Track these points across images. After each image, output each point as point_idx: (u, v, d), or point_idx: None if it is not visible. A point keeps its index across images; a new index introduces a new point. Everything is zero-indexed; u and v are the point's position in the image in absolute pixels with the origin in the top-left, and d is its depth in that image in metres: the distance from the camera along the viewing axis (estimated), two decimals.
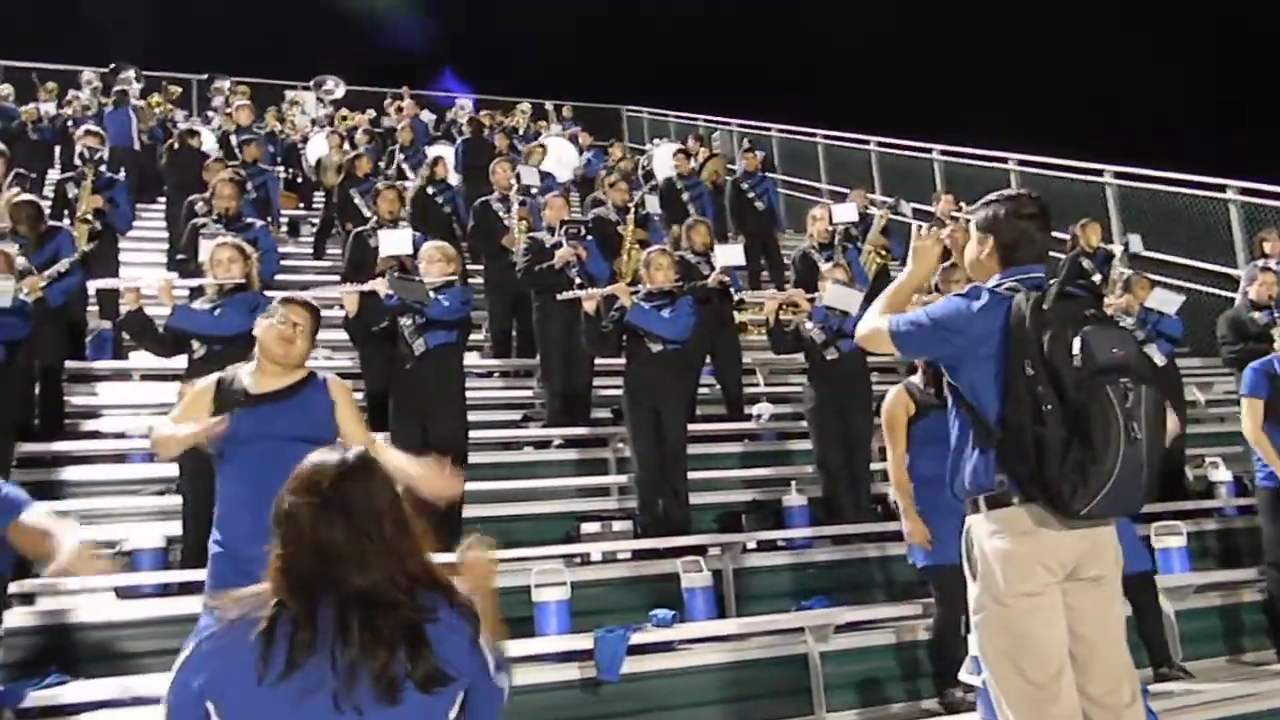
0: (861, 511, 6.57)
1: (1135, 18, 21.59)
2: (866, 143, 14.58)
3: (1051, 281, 2.99)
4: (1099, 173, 11.60)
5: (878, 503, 6.83)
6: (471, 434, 6.47)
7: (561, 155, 11.27)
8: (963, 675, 3.95)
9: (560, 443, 7.55)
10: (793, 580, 6.10)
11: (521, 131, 13.35)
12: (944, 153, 13.57)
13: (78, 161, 8.20)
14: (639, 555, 6.07)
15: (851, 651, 5.33)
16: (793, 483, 6.87)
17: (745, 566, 6.00)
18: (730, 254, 7.91)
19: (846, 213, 8.94)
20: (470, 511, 6.24)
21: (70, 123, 12.23)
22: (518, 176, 9.08)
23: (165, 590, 5.28)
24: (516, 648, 4.88)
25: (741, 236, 10.69)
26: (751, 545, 6.31)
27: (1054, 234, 3.51)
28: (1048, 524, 2.84)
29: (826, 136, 15.30)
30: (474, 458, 6.53)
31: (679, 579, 5.55)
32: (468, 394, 6.48)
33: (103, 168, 8.31)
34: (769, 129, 16.12)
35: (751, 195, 11.02)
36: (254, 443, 3.60)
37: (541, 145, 11.33)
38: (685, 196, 10.80)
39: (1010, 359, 2.89)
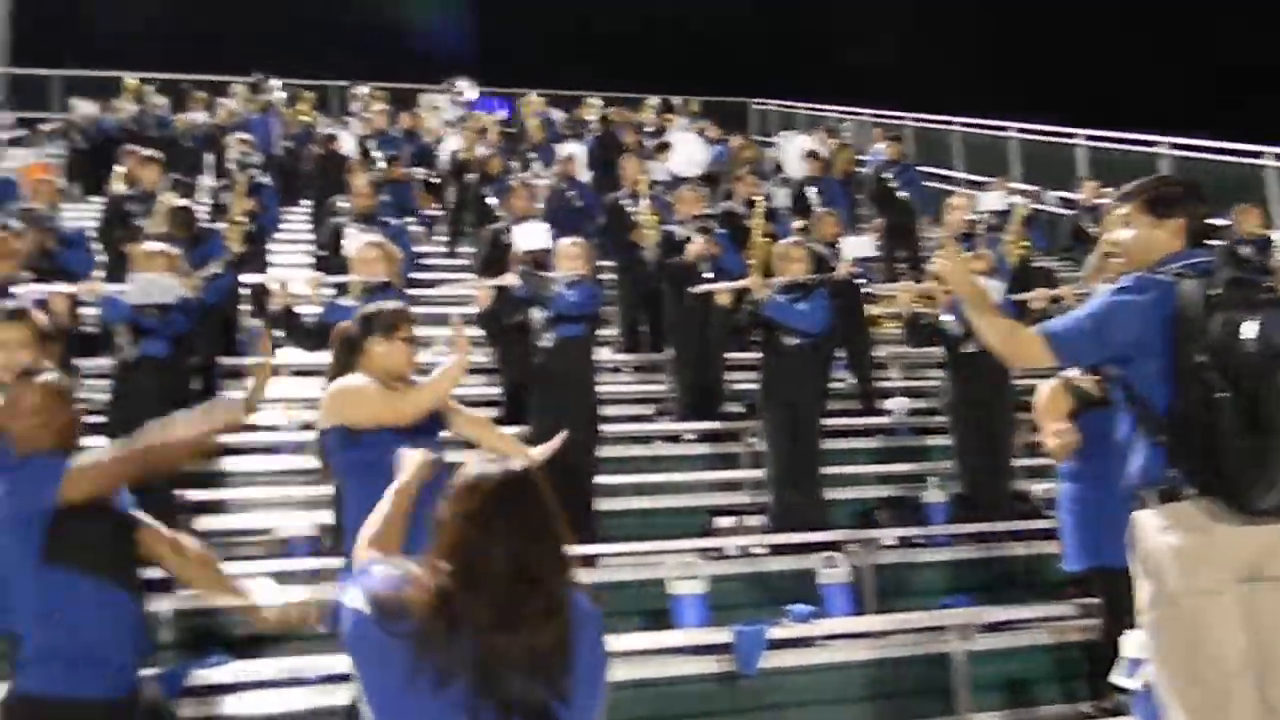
0: (1004, 508, 6.38)
1: None
2: (1006, 129, 14.12)
3: (1216, 266, 2.82)
4: (1257, 154, 10.97)
5: (1021, 499, 6.62)
6: (602, 428, 6.53)
7: (689, 149, 11.24)
8: (1116, 678, 3.79)
9: (692, 437, 7.54)
10: (934, 578, 5.96)
11: (650, 127, 13.40)
12: (1089, 138, 13.04)
13: (230, 166, 8.55)
14: (774, 550, 6.02)
15: (998, 652, 5.17)
16: (931, 479, 6.71)
17: (884, 563, 5.89)
18: (858, 245, 7.78)
19: (992, 201, 8.66)
20: (601, 505, 6.31)
21: (219, 130, 12.77)
22: (648, 172, 9.11)
23: (317, 576, 5.46)
24: (654, 640, 4.92)
25: (876, 227, 10.50)
26: (890, 541, 6.19)
27: (1211, 220, 3.32)
28: (1223, 519, 2.68)
29: (964, 124, 14.88)
30: (605, 451, 6.59)
31: (815, 575, 5.49)
32: (599, 389, 6.55)
33: (253, 172, 8.66)
34: (904, 117, 15.77)
35: (894, 185, 10.81)
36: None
37: (668, 142, 11.33)
38: (814, 188, 10.65)
39: (1178, 347, 2.74)
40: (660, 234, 7.93)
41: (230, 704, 4.41)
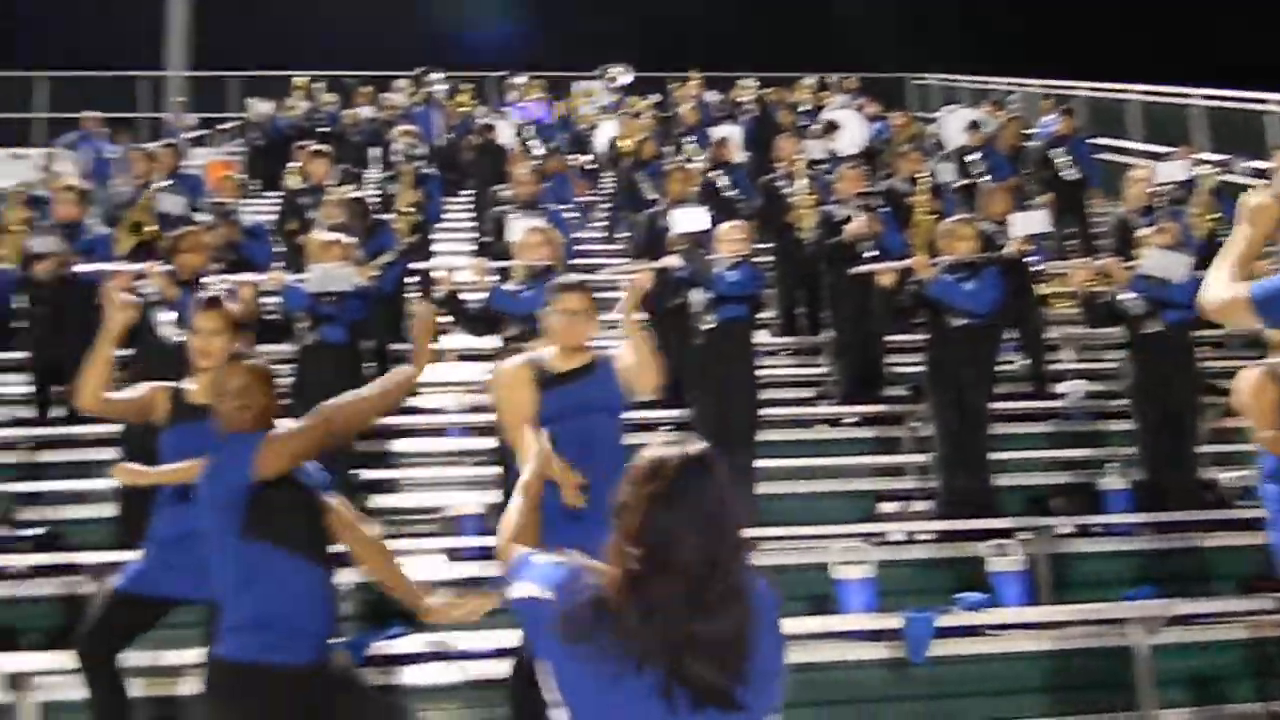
0: (1189, 497, 6.05)
1: None
2: (1189, 96, 13.28)
3: None
4: None
5: (1207, 488, 6.27)
6: (762, 412, 6.49)
7: (848, 127, 11.04)
8: None
9: (854, 420, 7.42)
10: (1114, 568, 5.70)
11: (806, 106, 13.21)
12: None
13: (395, 159, 8.83)
14: (941, 536, 5.88)
15: (1185, 646, 4.92)
16: (1110, 465, 6.42)
17: (1060, 552, 5.67)
18: (1030, 221, 7.47)
19: (1174, 171, 8.19)
20: (763, 489, 6.28)
21: (384, 125, 13.22)
22: (804, 151, 8.99)
23: (485, 554, 5.62)
24: (820, 624, 4.88)
25: (1047, 203, 10.08)
26: (1065, 530, 5.95)
27: None
28: None
29: (1143, 92, 14.06)
30: (765, 435, 6.54)
31: (985, 562, 5.33)
32: (757, 372, 6.51)
33: (419, 164, 8.95)
34: (1075, 87, 15.03)
35: (1065, 159, 10.37)
36: (563, 420, 3.74)
37: (830, 120, 11.15)
38: (979, 163, 10.31)
39: None
40: (819, 214, 7.81)
41: (409, 674, 4.60)
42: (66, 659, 4.50)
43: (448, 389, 7.80)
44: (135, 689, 4.05)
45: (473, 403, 7.28)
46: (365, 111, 13.73)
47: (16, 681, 4.45)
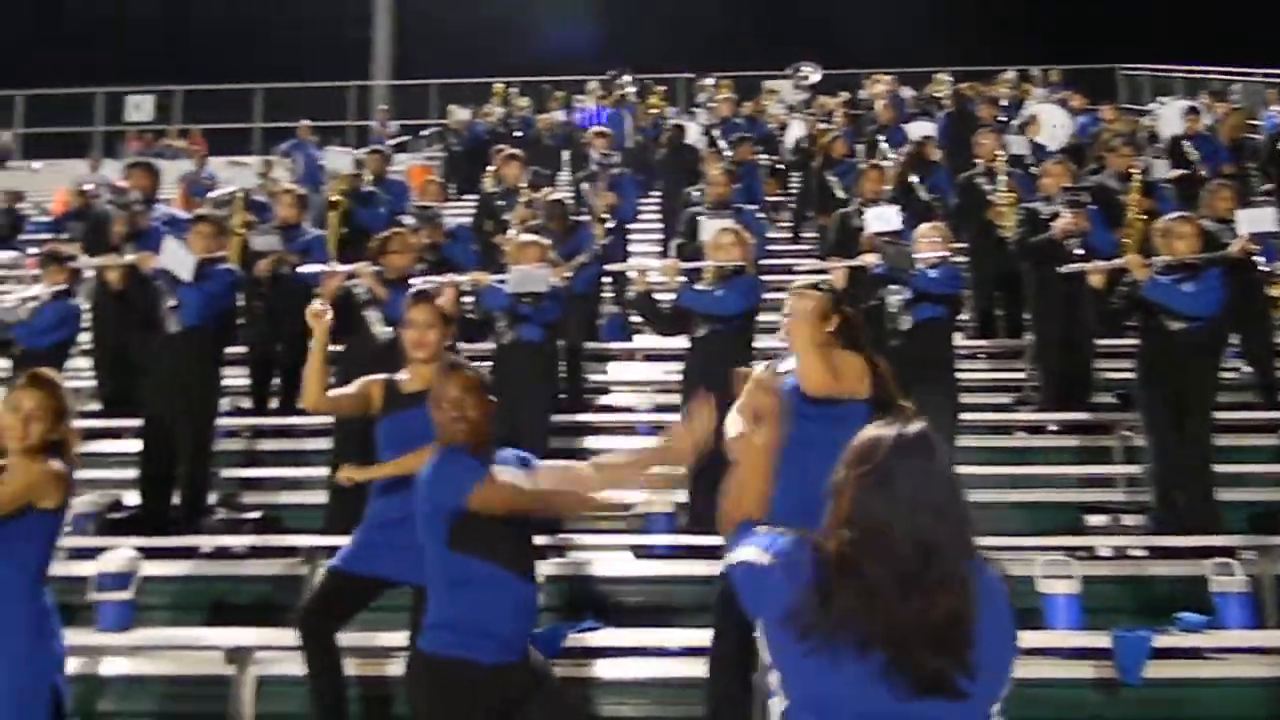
0: None
1: None
2: None
3: None
4: None
5: None
6: (959, 416, 6.26)
7: (1052, 122, 10.55)
8: None
9: (1057, 428, 7.08)
10: None
11: (1006, 101, 12.72)
12: None
13: (593, 166, 8.97)
14: (1154, 553, 5.52)
15: None
16: None
17: None
18: (1257, 219, 6.93)
19: None
20: None
21: (576, 129, 13.51)
22: (1005, 147, 8.65)
23: (674, 552, 5.64)
24: (1024, 639, 4.64)
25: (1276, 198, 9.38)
26: None
27: None
28: None
29: None
30: (962, 441, 6.32)
31: (1206, 582, 4.97)
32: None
33: (613, 168, 9.08)
34: None
35: None
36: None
37: (1031, 115, 10.70)
38: (1198, 158, 9.67)
39: None
40: (1021, 211, 7.49)
41: (600, 668, 4.66)
42: (282, 635, 4.80)
43: (638, 388, 7.89)
44: (348, 668, 4.26)
45: (662, 402, 7.32)
46: (558, 116, 14.07)
47: (236, 656, 4.73)
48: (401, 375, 4.19)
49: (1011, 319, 8.16)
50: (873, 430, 1.93)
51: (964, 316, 8.40)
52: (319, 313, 4.11)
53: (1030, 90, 13.43)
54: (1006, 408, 7.55)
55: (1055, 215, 6.97)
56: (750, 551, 1.94)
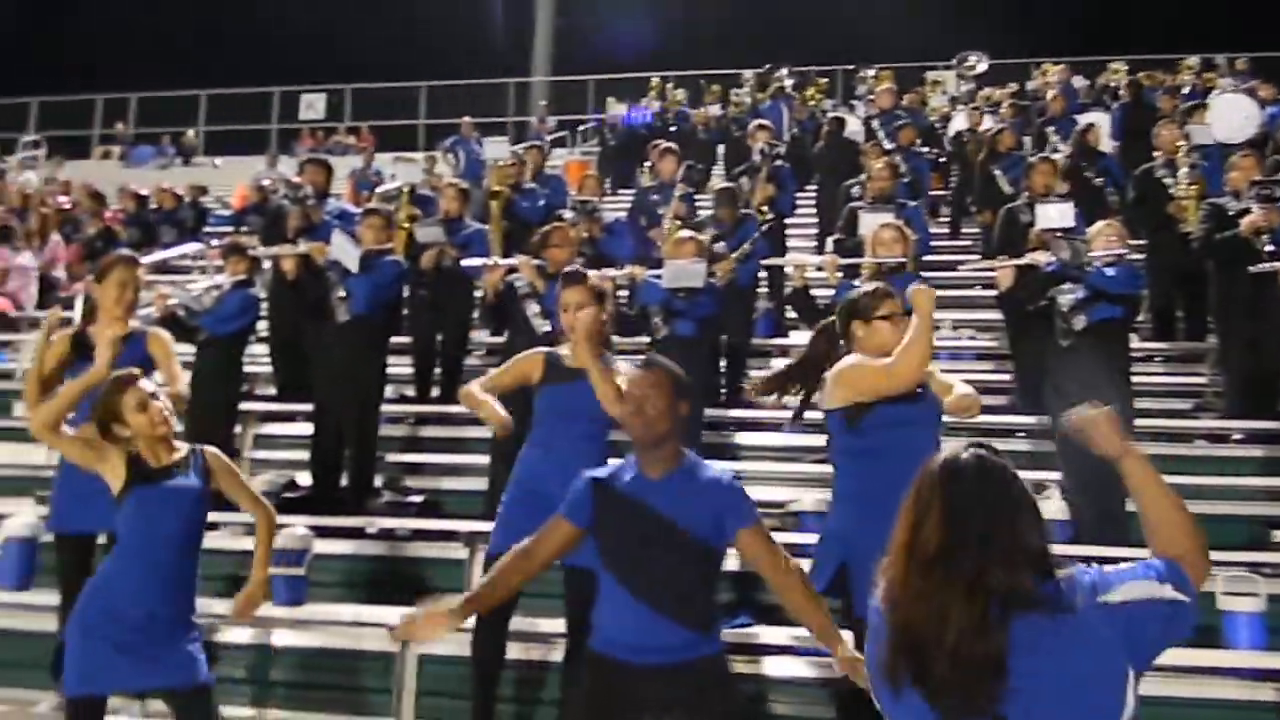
0: None
1: None
2: None
3: None
4: None
5: None
6: (1134, 423, 5.95)
7: (1237, 112, 9.93)
8: None
9: (1241, 437, 6.66)
10: None
11: (1187, 90, 12.04)
12: None
13: (756, 157, 8.90)
14: None
15: None
16: None
17: None
18: None
19: None
20: (1132, 505, 5.75)
21: (732, 123, 13.44)
22: (1187, 138, 8.18)
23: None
24: (1201, 658, 4.41)
25: None
26: None
27: None
28: None
29: None
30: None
31: None
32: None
33: (777, 159, 9.00)
34: None
35: None
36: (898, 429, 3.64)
37: (1204, 104, 10.09)
38: None
39: None
40: (1205, 207, 7.07)
41: (755, 665, 4.63)
42: None
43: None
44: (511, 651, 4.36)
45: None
46: (714, 109, 14.04)
47: None
48: (563, 350, 4.29)
49: (1193, 320, 7.72)
50: (950, 448, 1.95)
51: (1140, 317, 8.02)
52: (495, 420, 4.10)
53: (1214, 80, 12.66)
54: (1186, 414, 7.15)
55: (1244, 211, 6.55)
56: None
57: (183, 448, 3.61)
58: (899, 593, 1.85)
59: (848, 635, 3.24)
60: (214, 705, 3.53)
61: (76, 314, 7.94)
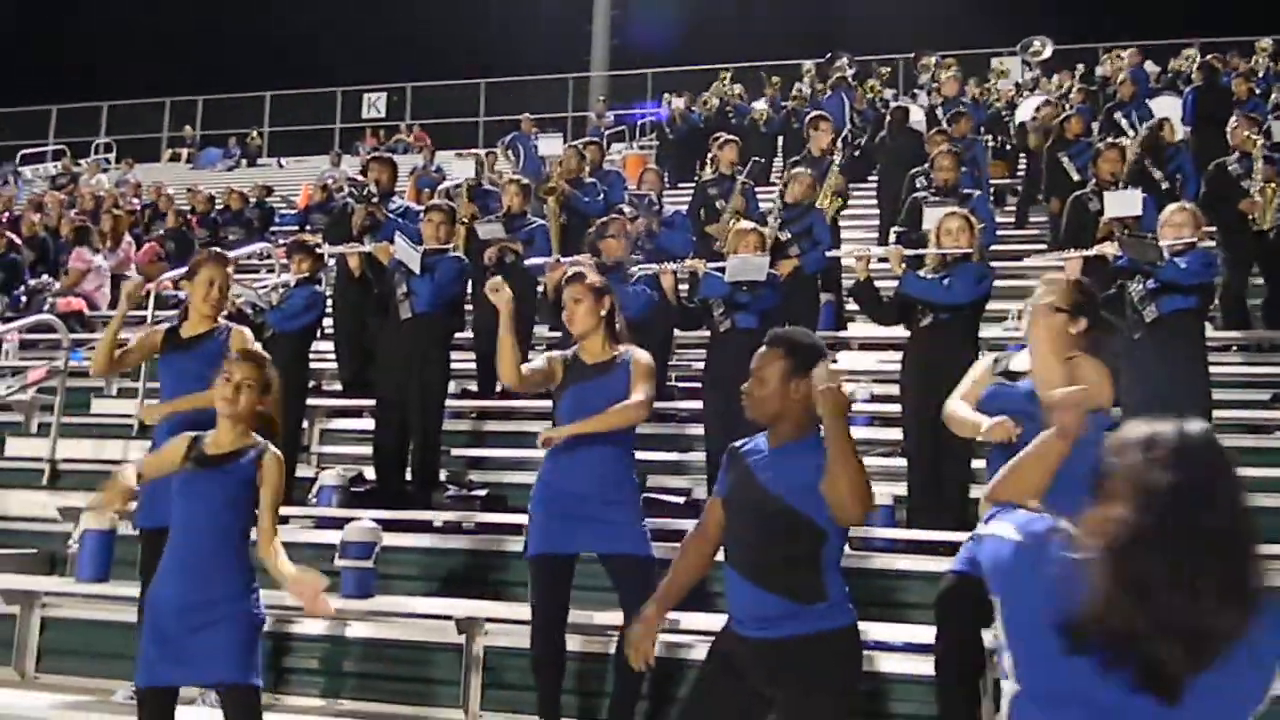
0: None
1: None
2: None
3: None
4: None
5: None
6: (1211, 414, 5.80)
7: None
8: None
9: None
10: None
11: (1261, 74, 11.69)
12: None
13: (815, 150, 8.84)
14: None
15: None
16: None
17: None
18: None
19: None
20: None
21: (792, 115, 13.34)
22: (1267, 133, 7.92)
23: (893, 546, 5.51)
24: None
25: None
26: None
27: None
28: None
29: None
30: None
31: None
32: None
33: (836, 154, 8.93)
34: None
35: None
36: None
37: None
38: None
39: None
40: None
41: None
42: (508, 609, 4.99)
43: (855, 378, 7.72)
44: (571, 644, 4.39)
45: (879, 393, 7.15)
46: (760, 105, 13.94)
47: (465, 626, 4.95)
48: (580, 349, 4.37)
49: (1272, 308, 7.50)
50: (1147, 425, 1.80)
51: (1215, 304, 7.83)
52: (496, 286, 4.23)
53: None
54: (1265, 405, 6.96)
55: None
56: (1003, 527, 1.87)
57: (253, 438, 3.59)
58: (1132, 556, 1.71)
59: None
60: (252, 705, 3.43)
61: (148, 311, 8.15)
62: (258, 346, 4.77)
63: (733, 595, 3.11)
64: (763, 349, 3.16)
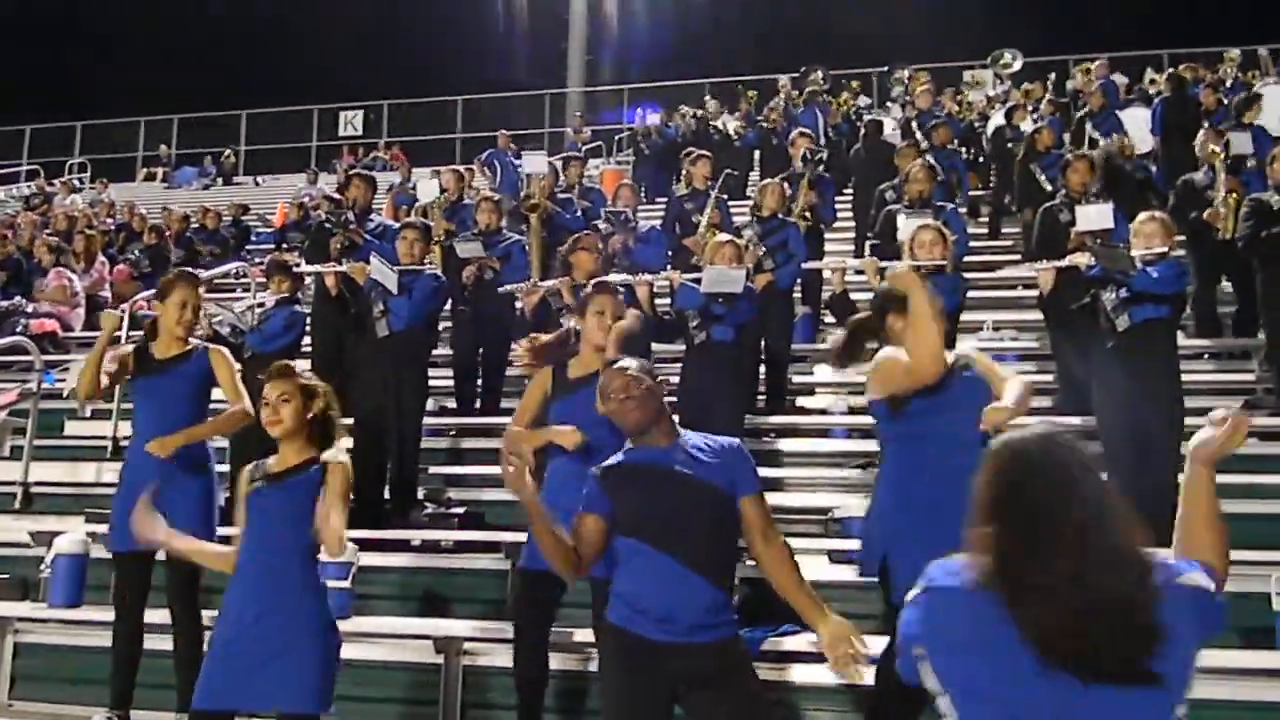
0: None
1: None
2: None
3: None
4: None
5: None
6: (1184, 421, 5.84)
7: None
8: None
9: None
10: None
11: (1229, 84, 11.83)
12: None
13: (799, 165, 8.88)
14: None
15: None
16: None
17: None
18: None
19: None
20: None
21: (768, 131, 13.39)
22: (1227, 145, 8.00)
23: None
24: (1253, 660, 4.33)
25: None
26: None
27: None
28: None
29: None
30: (1185, 447, 5.88)
31: None
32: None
33: (819, 166, 8.98)
34: None
35: None
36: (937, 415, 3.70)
37: (1256, 95, 9.92)
38: None
39: None
40: (1248, 203, 6.93)
41: (797, 672, 4.60)
42: (488, 627, 4.96)
43: (833, 390, 7.75)
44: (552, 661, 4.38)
45: (856, 404, 7.18)
46: (732, 122, 13.99)
47: (444, 645, 4.92)
48: (570, 363, 4.45)
49: (1241, 316, 7.58)
50: (1008, 435, 1.95)
51: (1186, 313, 7.90)
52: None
53: (1257, 75, 12.43)
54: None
55: None
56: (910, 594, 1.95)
57: (314, 452, 3.49)
58: (1025, 560, 1.82)
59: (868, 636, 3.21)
60: None
61: (123, 332, 8.08)
62: (235, 366, 4.76)
63: (660, 593, 3.05)
64: (610, 376, 3.24)
